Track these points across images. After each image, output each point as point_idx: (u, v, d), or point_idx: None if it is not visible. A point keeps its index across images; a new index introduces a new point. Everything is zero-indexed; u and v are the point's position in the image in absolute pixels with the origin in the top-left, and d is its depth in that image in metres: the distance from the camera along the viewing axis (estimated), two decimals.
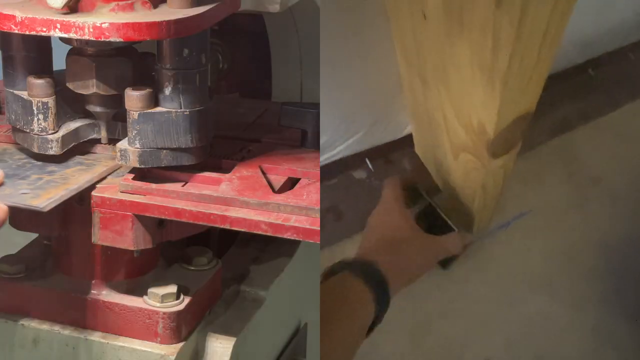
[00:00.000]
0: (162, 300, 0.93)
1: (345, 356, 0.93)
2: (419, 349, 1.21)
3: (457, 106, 0.84)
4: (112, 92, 0.94)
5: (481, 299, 1.22)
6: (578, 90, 1.34)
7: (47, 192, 0.89)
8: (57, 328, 0.95)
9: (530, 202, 1.23)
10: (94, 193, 0.91)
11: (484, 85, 0.72)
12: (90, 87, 0.93)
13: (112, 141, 0.98)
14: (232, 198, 0.90)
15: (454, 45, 0.75)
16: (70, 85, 0.94)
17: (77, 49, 0.93)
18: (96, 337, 0.94)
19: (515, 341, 1.15)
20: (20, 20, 0.85)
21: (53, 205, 0.87)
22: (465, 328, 1.22)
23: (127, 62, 0.93)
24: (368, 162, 1.50)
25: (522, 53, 0.66)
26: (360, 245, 1.09)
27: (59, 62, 0.98)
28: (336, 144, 1.40)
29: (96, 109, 0.96)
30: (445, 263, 1.27)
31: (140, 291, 0.95)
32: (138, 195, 0.91)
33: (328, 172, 1.44)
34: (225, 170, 0.96)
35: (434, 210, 1.21)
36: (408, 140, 1.28)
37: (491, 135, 0.79)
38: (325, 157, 1.40)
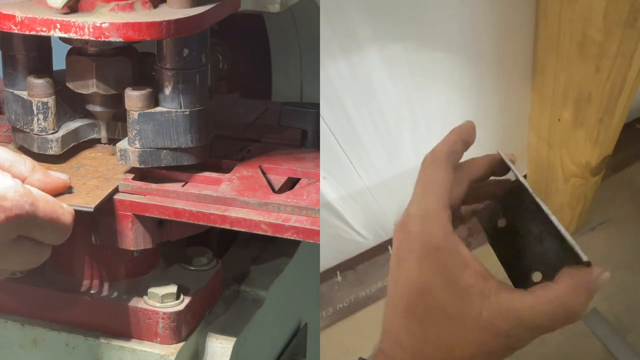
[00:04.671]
0: (162, 300, 0.93)
1: None
2: None
3: (573, 156, 1.45)
4: (112, 92, 0.94)
5: None
6: (631, 140, 1.87)
7: (91, 189, 0.90)
8: (57, 328, 0.95)
9: (606, 215, 1.75)
10: None
11: (591, 144, 1.35)
12: (90, 86, 0.93)
13: (112, 141, 0.98)
14: (232, 198, 0.90)
15: (575, 132, 1.35)
16: (70, 85, 0.94)
17: (77, 49, 0.93)
18: (96, 337, 0.94)
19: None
20: (20, 20, 0.85)
21: (101, 205, 0.88)
22: None
23: (127, 61, 0.93)
24: None
25: (610, 128, 1.30)
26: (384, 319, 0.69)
27: (59, 62, 0.98)
28: None
29: (96, 108, 0.96)
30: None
31: (140, 291, 0.95)
32: (138, 195, 0.91)
33: None
34: (225, 170, 0.96)
35: (530, 213, 0.70)
36: None
37: (593, 165, 1.43)
38: None
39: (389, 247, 1.60)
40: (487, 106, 1.43)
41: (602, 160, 1.43)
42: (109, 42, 0.91)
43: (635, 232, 1.73)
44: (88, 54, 0.93)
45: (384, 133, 1.31)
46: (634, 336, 1.58)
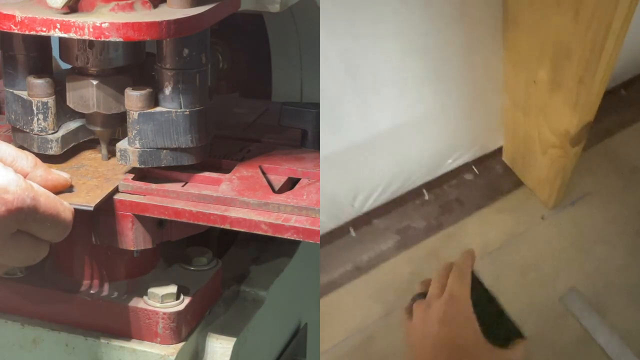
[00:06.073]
0: (162, 300, 0.93)
1: None
2: None
3: (551, 123, 1.32)
4: (112, 111, 0.94)
5: (558, 245, 1.59)
6: (615, 107, 1.82)
7: (91, 189, 0.90)
8: (57, 328, 0.95)
9: (587, 187, 1.68)
10: None
11: (570, 109, 1.21)
12: (90, 106, 0.93)
13: (112, 141, 0.98)
14: (232, 198, 0.90)
15: (553, 96, 1.23)
16: (70, 105, 0.94)
17: (78, 69, 0.93)
18: (96, 337, 0.94)
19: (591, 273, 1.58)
20: (20, 20, 0.85)
21: (101, 204, 0.88)
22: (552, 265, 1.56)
23: (128, 81, 0.93)
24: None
25: (592, 90, 1.13)
26: None
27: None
28: None
29: (97, 128, 0.96)
30: None
31: (140, 291, 0.95)
32: (138, 195, 0.91)
33: None
34: (225, 170, 0.96)
35: (493, 304, 0.94)
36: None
37: (573, 134, 1.27)
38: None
39: (350, 229, 1.57)
40: (452, 68, 1.27)
41: (582, 128, 1.27)
42: (110, 62, 0.91)
43: (618, 205, 1.67)
44: (88, 74, 0.93)
45: (327, 111, 1.15)
46: (613, 314, 1.53)
